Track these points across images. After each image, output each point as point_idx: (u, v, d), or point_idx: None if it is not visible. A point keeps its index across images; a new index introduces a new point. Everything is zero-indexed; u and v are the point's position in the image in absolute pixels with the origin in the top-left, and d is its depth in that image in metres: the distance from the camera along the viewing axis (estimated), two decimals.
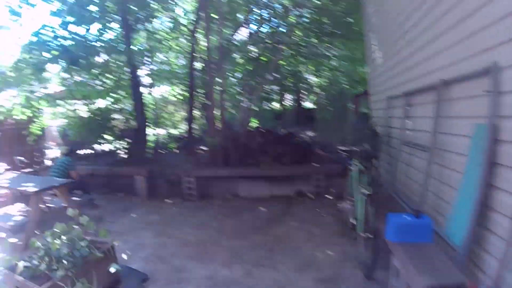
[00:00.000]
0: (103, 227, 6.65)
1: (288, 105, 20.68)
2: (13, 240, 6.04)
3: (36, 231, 5.97)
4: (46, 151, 13.12)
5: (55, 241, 3.45)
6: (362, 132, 6.01)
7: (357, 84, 14.73)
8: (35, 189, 6.06)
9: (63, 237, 3.53)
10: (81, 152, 12.14)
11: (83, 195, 7.77)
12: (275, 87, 14.92)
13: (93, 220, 7.06)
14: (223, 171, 8.24)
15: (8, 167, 9.25)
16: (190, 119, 12.41)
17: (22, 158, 9.35)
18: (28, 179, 7.33)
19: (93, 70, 10.19)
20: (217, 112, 9.27)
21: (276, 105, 19.68)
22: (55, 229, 3.62)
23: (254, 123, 13.12)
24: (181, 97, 14.76)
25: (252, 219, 6.64)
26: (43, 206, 7.02)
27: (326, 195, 7.69)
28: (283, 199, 7.69)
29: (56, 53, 8.75)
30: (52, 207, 7.34)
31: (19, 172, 9.03)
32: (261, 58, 10.86)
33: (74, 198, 7.22)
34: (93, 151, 11.78)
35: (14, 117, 10.26)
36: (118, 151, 12.20)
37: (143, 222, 6.90)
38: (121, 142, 11.75)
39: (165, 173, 8.94)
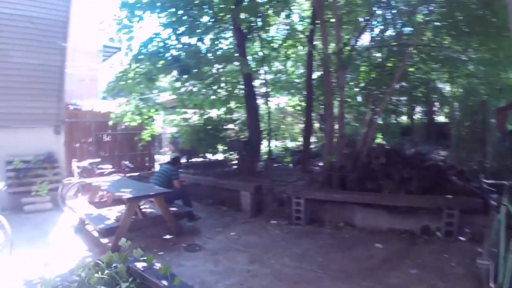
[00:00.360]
0: (195, 243, 6.35)
1: (417, 118, 18.25)
2: (104, 241, 6.16)
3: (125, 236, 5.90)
4: (156, 157, 13.46)
5: (95, 274, 2.81)
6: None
7: (501, 94, 12.38)
8: (129, 196, 6.01)
9: (106, 272, 2.88)
10: (190, 160, 12.13)
11: (183, 206, 7.49)
12: (403, 98, 13.14)
13: (189, 233, 6.73)
14: (337, 195, 7.02)
15: (113, 169, 9.55)
16: (307, 132, 11.59)
17: (127, 163, 9.57)
18: (128, 184, 7.34)
19: (206, 80, 9.96)
20: (336, 126, 8.33)
21: (403, 119, 17.25)
22: (99, 260, 3.03)
23: (377, 139, 11.74)
24: (298, 108, 14.13)
25: (364, 258, 5.44)
26: (139, 212, 6.98)
27: (460, 237, 5.93)
28: (404, 235, 6.22)
29: (162, 62, 8.66)
30: (148, 214, 7.31)
31: (123, 175, 9.24)
32: (387, 64, 9.48)
33: (172, 209, 6.96)
34: (203, 160, 11.59)
35: (125, 123, 10.55)
36: (229, 162, 11.91)
37: (240, 243, 6.28)
38: (232, 153, 11.45)
39: (273, 191, 8.26)
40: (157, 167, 12.20)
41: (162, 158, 14.12)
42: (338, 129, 7.96)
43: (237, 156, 11.04)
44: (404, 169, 6.74)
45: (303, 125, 12.59)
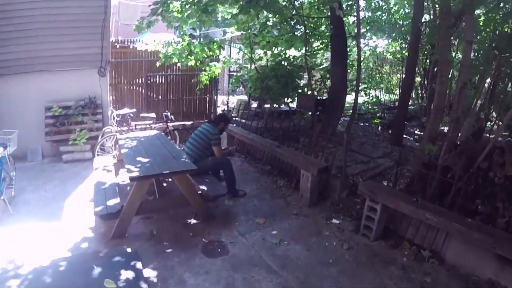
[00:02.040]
0: (220, 240, 4.82)
1: None
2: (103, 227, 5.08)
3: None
4: (223, 99, 12.32)
5: None
6: None
7: None
8: (135, 174, 4.59)
9: None
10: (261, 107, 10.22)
11: (219, 184, 5.98)
12: None
13: (220, 219, 5.46)
14: (431, 215, 4.25)
15: (152, 121, 8.64)
16: (406, 90, 9.14)
17: (169, 114, 8.36)
18: (153, 149, 5.76)
19: (280, 13, 7.77)
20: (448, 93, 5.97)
21: None
22: None
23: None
24: (399, 56, 11.49)
25: None
26: (156, 190, 5.82)
27: None
28: None
29: None
30: (169, 195, 6.01)
31: (168, 127, 8.33)
32: None
33: (202, 187, 5.47)
34: (277, 107, 9.53)
35: (178, 64, 9.23)
36: (305, 115, 9.75)
37: (277, 256, 4.57)
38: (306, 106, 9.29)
39: (346, 172, 6.10)
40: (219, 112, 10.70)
41: (232, 100, 12.48)
42: (453, 106, 5.42)
43: (314, 109, 8.82)
44: None
45: (402, 76, 10.16)
